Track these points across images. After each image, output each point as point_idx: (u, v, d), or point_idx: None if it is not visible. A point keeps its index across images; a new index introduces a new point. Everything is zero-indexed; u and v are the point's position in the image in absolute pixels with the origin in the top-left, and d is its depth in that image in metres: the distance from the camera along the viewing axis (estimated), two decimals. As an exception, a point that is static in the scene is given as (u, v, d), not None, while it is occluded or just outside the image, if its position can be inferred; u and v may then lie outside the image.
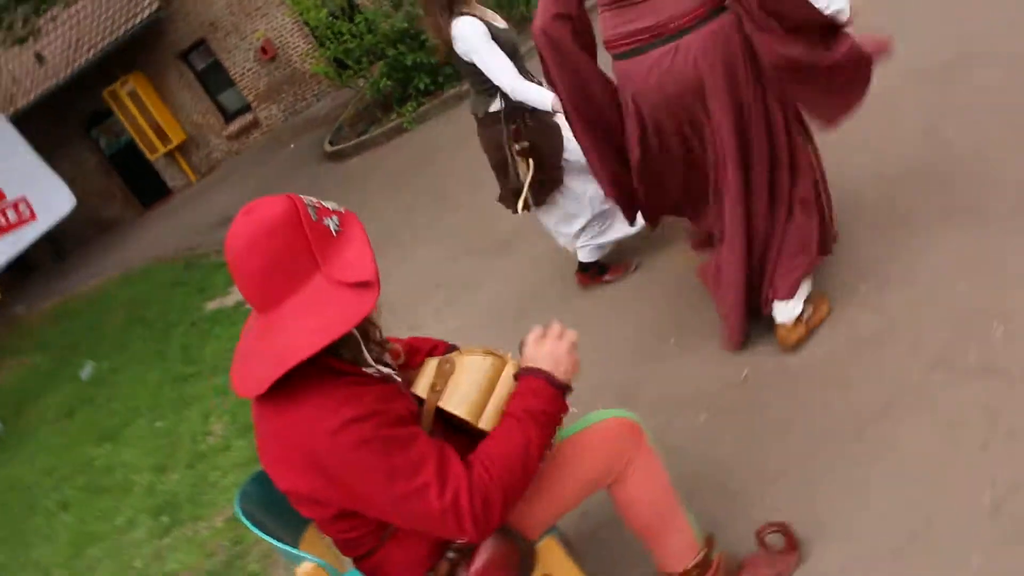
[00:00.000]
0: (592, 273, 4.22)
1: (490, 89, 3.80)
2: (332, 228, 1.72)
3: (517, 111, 3.78)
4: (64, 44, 17.20)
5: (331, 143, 12.38)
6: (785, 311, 3.01)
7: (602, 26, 2.91)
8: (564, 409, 1.88)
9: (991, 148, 3.40)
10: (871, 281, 3.11)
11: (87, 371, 7.67)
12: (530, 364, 1.89)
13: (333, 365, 1.73)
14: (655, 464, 2.07)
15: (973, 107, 3.75)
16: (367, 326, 1.87)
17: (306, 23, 13.44)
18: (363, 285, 1.67)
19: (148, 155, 17.93)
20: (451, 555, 1.85)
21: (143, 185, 18.85)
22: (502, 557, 1.83)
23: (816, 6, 2.57)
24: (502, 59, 3.69)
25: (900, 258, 3.13)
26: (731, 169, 2.85)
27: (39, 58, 13.88)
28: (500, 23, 3.82)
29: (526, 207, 3.91)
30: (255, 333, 1.74)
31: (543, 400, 1.83)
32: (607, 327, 3.82)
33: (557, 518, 2.02)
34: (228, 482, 4.33)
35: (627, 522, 2.09)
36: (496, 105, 3.84)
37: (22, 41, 12.67)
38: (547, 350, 1.89)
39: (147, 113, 17.32)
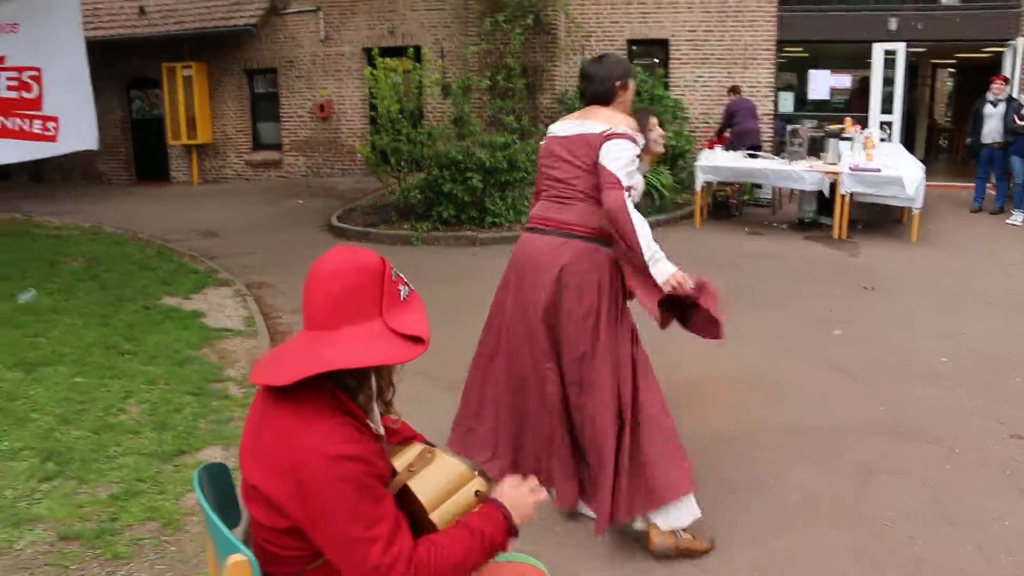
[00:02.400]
0: None
1: None
2: (402, 293, 2.07)
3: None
4: (158, 6, 17.77)
5: (339, 219, 12.79)
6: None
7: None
8: (505, 546, 2.16)
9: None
10: None
11: (27, 296, 7.68)
12: (499, 498, 2.17)
13: (348, 405, 2.03)
14: (542, 622, 2.34)
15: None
16: (385, 384, 2.19)
17: (373, 106, 14.06)
18: (414, 339, 2.00)
19: (169, 139, 18.24)
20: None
21: (148, 161, 19.06)
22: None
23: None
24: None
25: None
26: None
27: (141, 11, 14.33)
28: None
29: None
30: (298, 343, 2.02)
31: (496, 531, 2.11)
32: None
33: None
34: (126, 462, 4.41)
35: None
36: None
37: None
38: (518, 495, 2.18)
39: (190, 102, 17.76)
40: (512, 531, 2.15)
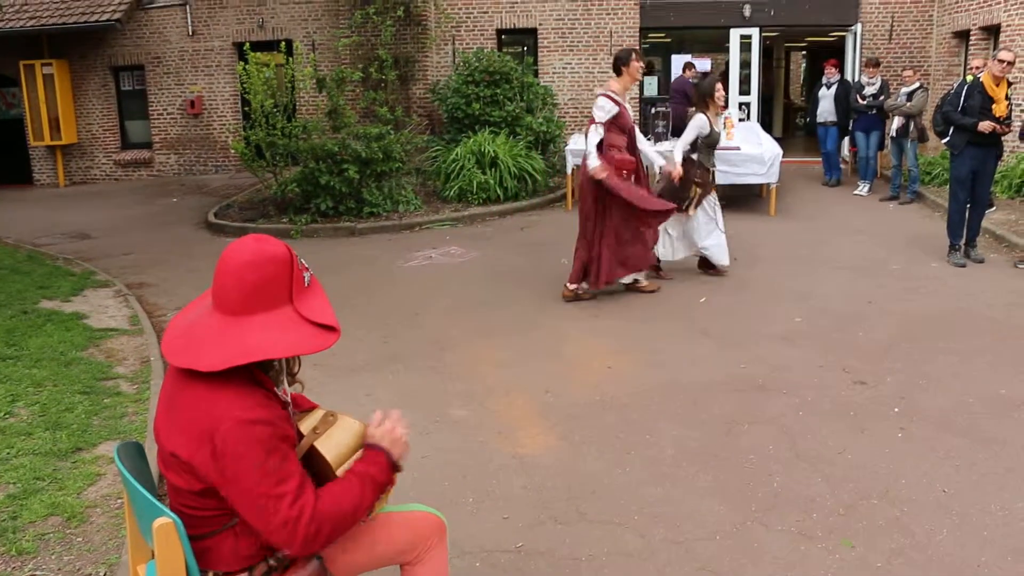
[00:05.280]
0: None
1: (691, 149, 8.06)
2: (306, 279, 2.29)
3: (701, 162, 8.05)
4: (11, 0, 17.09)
5: (216, 215, 12.70)
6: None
7: None
8: (392, 481, 2.43)
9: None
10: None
11: None
12: (372, 440, 2.42)
13: (257, 375, 2.25)
14: (445, 561, 2.62)
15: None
16: (292, 359, 2.41)
17: (245, 101, 13.97)
18: (327, 328, 2.23)
19: (31, 140, 17.61)
20: (272, 562, 2.29)
21: (8, 163, 18.31)
22: (313, 578, 2.30)
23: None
24: (684, 142, 8.03)
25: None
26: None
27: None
28: (717, 128, 8.14)
29: (689, 208, 8.08)
30: (214, 326, 2.19)
31: (380, 471, 2.37)
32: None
33: (358, 571, 2.51)
34: (21, 462, 4.45)
35: (407, 601, 2.59)
36: (694, 156, 8.08)
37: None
38: (387, 430, 2.43)
39: (52, 102, 17.18)
40: (394, 467, 2.41)
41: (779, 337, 6.51)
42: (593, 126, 7.27)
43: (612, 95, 7.31)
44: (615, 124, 7.27)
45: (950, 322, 6.80)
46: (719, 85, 8.05)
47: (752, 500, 4.13)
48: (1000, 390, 5.41)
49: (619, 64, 7.44)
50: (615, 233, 7.44)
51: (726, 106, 8.09)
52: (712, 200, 8.26)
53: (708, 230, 8.21)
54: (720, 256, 8.24)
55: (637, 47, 7.77)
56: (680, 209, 7.92)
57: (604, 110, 7.24)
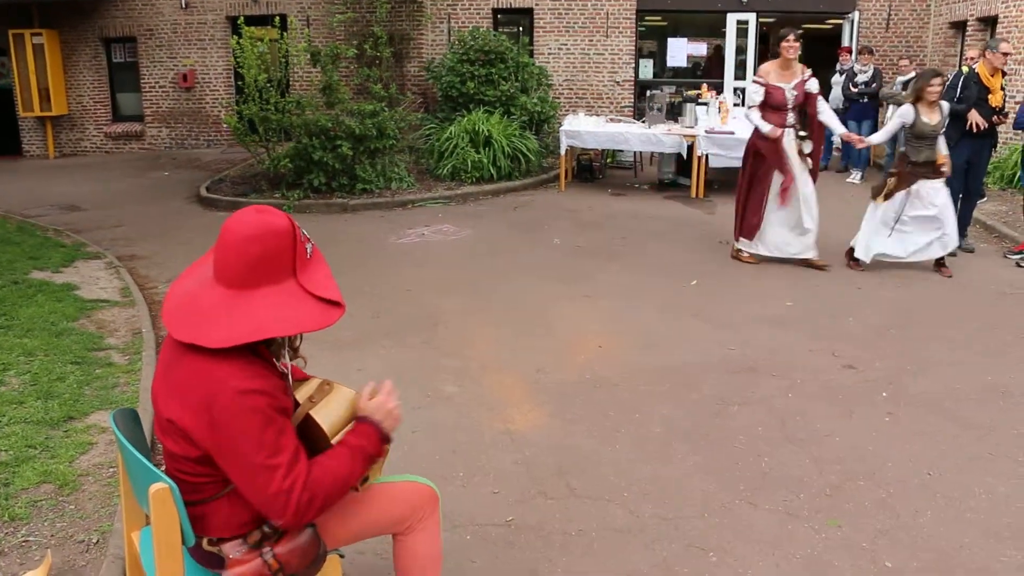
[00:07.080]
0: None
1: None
2: (308, 251, 2.28)
3: (904, 154, 7.86)
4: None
5: (208, 189, 12.65)
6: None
7: None
8: (382, 453, 2.44)
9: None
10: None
11: None
12: (364, 413, 2.43)
13: (257, 346, 2.25)
14: (437, 532, 2.65)
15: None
16: (296, 335, 2.41)
17: (239, 75, 13.88)
18: (331, 303, 2.23)
19: (20, 110, 17.46)
20: (266, 529, 2.31)
21: (-4, 133, 18.20)
22: (307, 548, 2.32)
23: None
24: (887, 130, 8.25)
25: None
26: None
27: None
28: (929, 120, 7.64)
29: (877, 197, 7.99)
30: (218, 300, 2.18)
31: (371, 444, 2.38)
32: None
33: (351, 540, 2.54)
34: (13, 431, 4.45)
35: (397, 572, 2.61)
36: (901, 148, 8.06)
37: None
38: (379, 403, 2.44)
39: (42, 72, 16.99)
40: (385, 439, 2.42)
41: (770, 321, 6.55)
42: (751, 110, 8.07)
43: (758, 80, 8.08)
44: (766, 104, 7.94)
45: (939, 310, 6.86)
46: (935, 81, 7.72)
47: (740, 479, 4.17)
48: (987, 377, 5.47)
49: (777, 47, 8.24)
50: (746, 198, 8.27)
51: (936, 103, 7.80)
52: (920, 196, 7.75)
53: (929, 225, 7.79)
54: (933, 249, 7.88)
55: (793, 28, 8.05)
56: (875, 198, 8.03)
57: (753, 95, 8.07)
